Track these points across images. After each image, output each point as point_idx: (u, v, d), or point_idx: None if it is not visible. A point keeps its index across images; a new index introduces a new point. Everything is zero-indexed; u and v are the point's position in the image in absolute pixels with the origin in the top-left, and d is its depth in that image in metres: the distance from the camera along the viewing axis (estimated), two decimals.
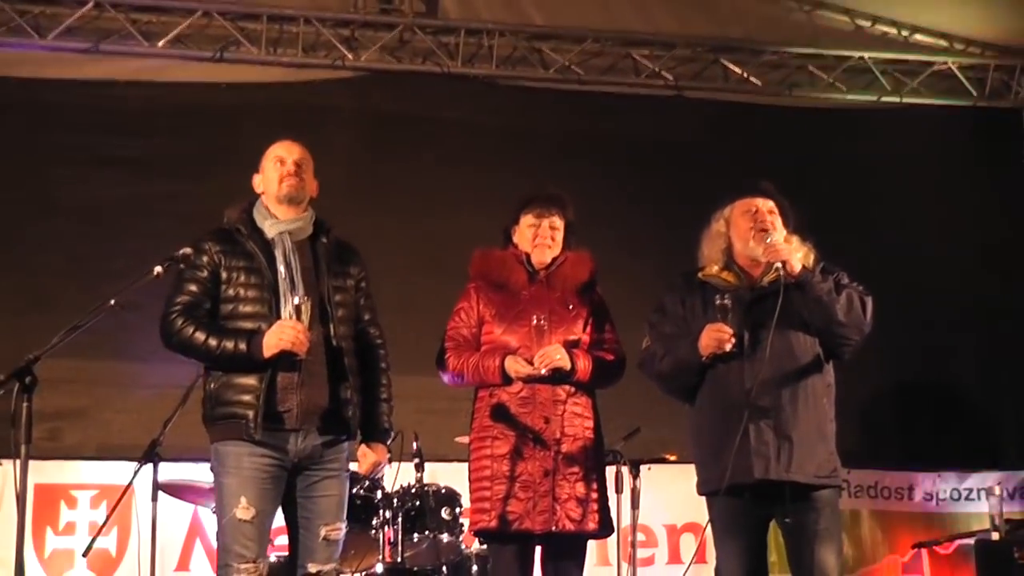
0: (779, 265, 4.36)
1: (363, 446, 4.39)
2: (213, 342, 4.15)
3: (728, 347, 4.33)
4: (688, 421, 4.62)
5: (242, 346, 4.13)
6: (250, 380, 4.15)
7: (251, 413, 4.12)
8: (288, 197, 4.34)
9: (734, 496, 4.30)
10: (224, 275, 4.24)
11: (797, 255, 4.42)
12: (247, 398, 4.14)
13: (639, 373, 4.71)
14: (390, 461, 5.70)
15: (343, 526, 4.29)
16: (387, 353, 4.50)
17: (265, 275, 4.23)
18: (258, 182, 4.44)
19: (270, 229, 4.31)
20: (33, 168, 7.60)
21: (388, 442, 4.52)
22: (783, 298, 4.29)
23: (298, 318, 4.12)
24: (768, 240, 4.41)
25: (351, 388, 4.27)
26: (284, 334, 4.10)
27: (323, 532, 4.22)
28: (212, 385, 4.24)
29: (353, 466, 4.44)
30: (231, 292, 4.24)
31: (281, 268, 4.23)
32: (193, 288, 4.24)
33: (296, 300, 4.16)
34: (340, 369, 4.26)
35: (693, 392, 4.52)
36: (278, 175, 4.35)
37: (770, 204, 4.55)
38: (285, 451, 4.18)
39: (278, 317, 4.17)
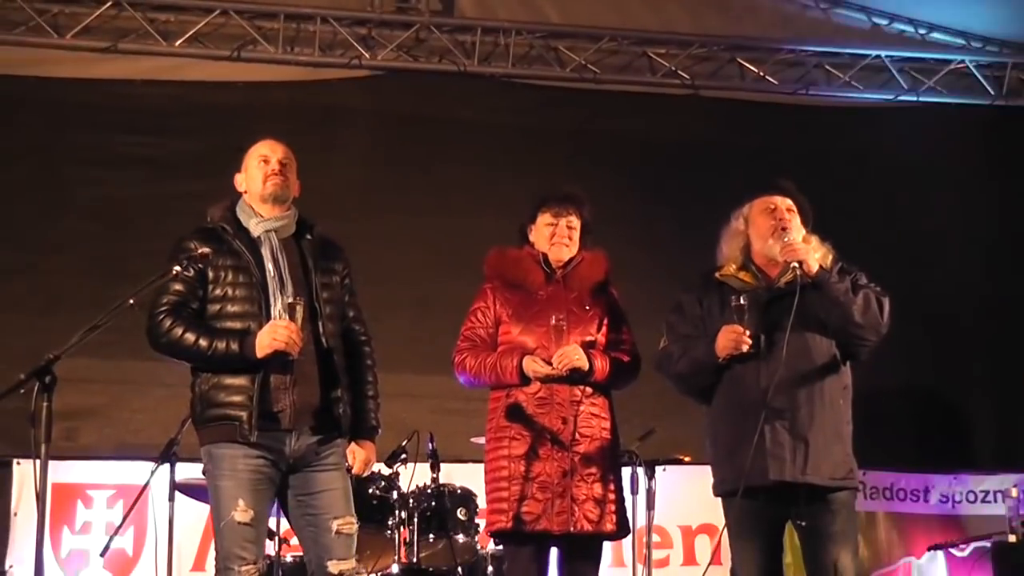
0: (796, 265, 4.34)
1: (353, 444, 4.33)
2: (204, 342, 4.08)
3: (745, 348, 4.32)
4: (704, 422, 4.61)
5: (234, 346, 4.07)
6: (241, 381, 4.09)
7: (244, 414, 4.07)
8: (273, 196, 4.29)
9: (749, 497, 4.29)
10: (211, 274, 4.18)
11: (815, 255, 4.41)
12: (239, 399, 4.09)
13: (654, 374, 4.70)
14: (405, 461, 5.71)
15: (354, 520, 4.23)
16: (373, 350, 4.45)
17: (253, 274, 4.17)
18: (240, 181, 4.38)
19: (256, 228, 4.26)
20: (50, 167, 7.62)
21: (375, 439, 4.45)
22: (800, 298, 4.28)
23: (291, 317, 4.07)
24: (786, 239, 4.40)
25: (341, 387, 4.23)
26: (278, 334, 4.04)
27: (335, 526, 4.15)
28: (202, 386, 4.17)
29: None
30: (219, 292, 4.17)
31: (269, 266, 4.18)
32: (179, 287, 4.16)
33: (289, 299, 4.11)
34: (330, 368, 4.21)
35: (709, 392, 4.51)
36: (262, 174, 4.30)
37: (789, 203, 4.54)
38: (280, 452, 4.13)
39: (267, 316, 4.11)
